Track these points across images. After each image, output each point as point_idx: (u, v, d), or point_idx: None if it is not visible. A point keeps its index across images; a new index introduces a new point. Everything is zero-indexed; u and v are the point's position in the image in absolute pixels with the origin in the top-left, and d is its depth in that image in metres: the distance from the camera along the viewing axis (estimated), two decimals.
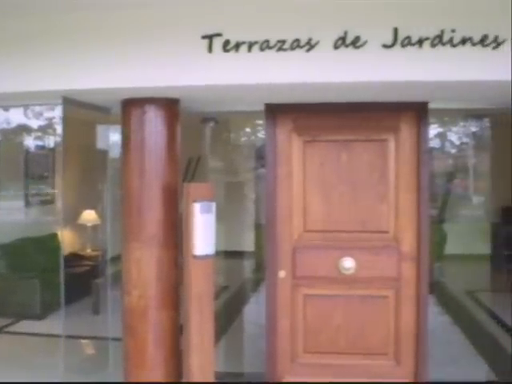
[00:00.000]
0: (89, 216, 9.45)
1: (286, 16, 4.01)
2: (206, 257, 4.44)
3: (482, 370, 5.86)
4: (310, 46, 3.97)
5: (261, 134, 10.05)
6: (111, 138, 5.75)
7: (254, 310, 7.66)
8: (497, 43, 3.86)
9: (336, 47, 3.95)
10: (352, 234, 5.04)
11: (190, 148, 5.74)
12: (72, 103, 4.76)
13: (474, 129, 10.75)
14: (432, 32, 3.89)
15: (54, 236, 8.44)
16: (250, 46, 4.02)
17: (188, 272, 4.45)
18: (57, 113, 5.48)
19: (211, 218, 4.48)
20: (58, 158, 8.75)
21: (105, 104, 5.07)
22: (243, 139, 12.00)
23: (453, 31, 3.87)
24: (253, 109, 5.33)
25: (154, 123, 4.69)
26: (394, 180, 5.00)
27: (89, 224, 9.47)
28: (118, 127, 4.89)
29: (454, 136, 11.87)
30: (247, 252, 10.11)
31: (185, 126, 5.00)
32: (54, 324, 6.87)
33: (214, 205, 4.49)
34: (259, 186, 9.97)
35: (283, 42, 3.99)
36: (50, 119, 8.84)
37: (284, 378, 5.16)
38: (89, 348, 7.08)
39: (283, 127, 5.09)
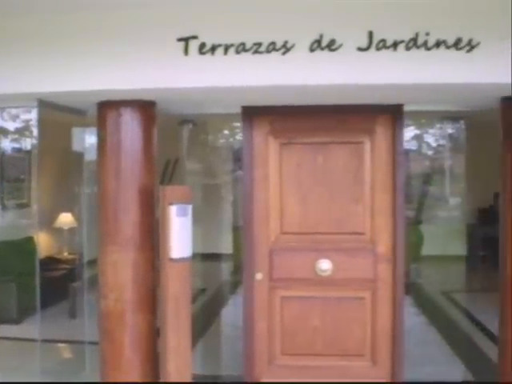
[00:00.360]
0: (65, 219, 9.37)
1: (261, 19, 4.02)
2: (183, 259, 4.44)
3: (459, 370, 5.91)
4: (286, 48, 3.98)
5: (239, 137, 10.04)
6: (88, 140, 5.71)
7: (231, 313, 7.65)
8: (471, 46, 3.90)
9: (312, 50, 3.97)
10: (328, 235, 5.06)
11: (167, 150, 5.73)
12: (47, 106, 4.72)
13: (450, 131, 10.82)
14: (407, 35, 3.92)
15: (29, 239, 8.36)
16: (226, 48, 4.02)
17: (164, 275, 4.45)
18: (33, 115, 5.41)
19: (188, 220, 4.47)
20: (34, 161, 8.67)
21: (81, 106, 5.04)
22: (221, 141, 11.98)
23: (427, 34, 3.91)
24: (230, 111, 5.33)
25: (130, 126, 4.67)
26: (370, 182, 5.03)
27: (65, 227, 9.39)
28: (95, 129, 4.87)
29: (431, 138, 11.94)
30: (225, 254, 10.10)
31: (162, 128, 4.99)
32: (31, 328, 6.80)
33: (190, 207, 4.49)
34: (237, 188, 9.99)
35: (259, 44, 3.99)
36: (27, 121, 8.75)
37: (261, 379, 5.17)
38: (65, 352, 7.03)
39: (260, 130, 5.10)
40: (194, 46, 4.04)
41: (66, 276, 8.47)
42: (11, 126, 9.05)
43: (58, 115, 5.12)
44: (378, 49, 3.93)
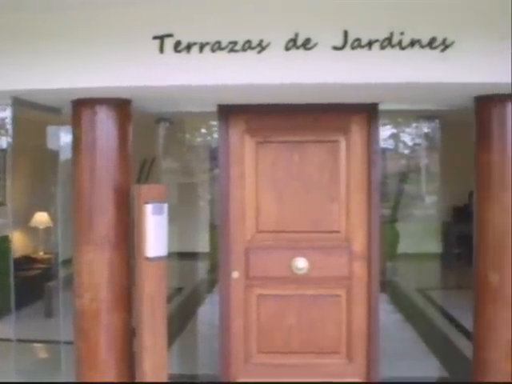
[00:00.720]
0: (41, 218, 9.28)
1: (237, 17, 4.02)
2: (158, 258, 4.43)
3: (434, 367, 5.96)
4: (262, 47, 3.98)
5: (216, 135, 10.02)
6: (63, 139, 5.66)
7: (208, 311, 7.64)
8: (445, 45, 3.93)
9: (287, 49, 3.98)
10: (304, 234, 5.08)
11: (144, 149, 5.70)
12: (22, 104, 4.68)
13: (426, 130, 10.89)
14: (381, 34, 3.95)
15: (4, 239, 8.25)
16: (202, 47, 4.02)
17: (140, 274, 4.43)
18: (8, 113, 5.37)
19: (163, 219, 4.46)
20: (9, 160, 8.58)
21: (56, 104, 4.99)
22: (199, 140, 11.94)
23: (402, 34, 3.93)
24: (206, 110, 5.33)
25: (105, 124, 4.63)
26: (345, 180, 5.06)
27: (41, 226, 9.30)
28: (70, 128, 4.82)
29: (408, 137, 12.01)
30: (202, 253, 10.09)
31: (139, 126, 4.96)
32: (6, 328, 6.74)
33: (166, 206, 4.48)
34: (214, 186, 9.97)
35: (235, 43, 3.99)
36: (2, 120, 8.65)
37: (238, 378, 5.17)
38: (41, 351, 6.97)
39: (236, 128, 5.11)
40: (169, 44, 4.03)
41: (42, 275, 8.40)
42: None
43: (33, 113, 5.08)
44: (352, 48, 3.95)
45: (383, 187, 10.57)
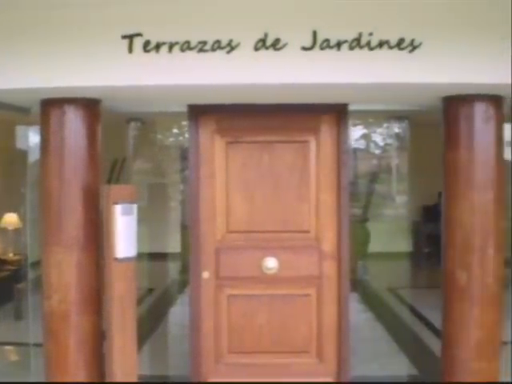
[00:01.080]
0: (10, 219, 9.17)
1: (206, 17, 4.01)
2: (128, 259, 4.40)
3: (404, 365, 6.01)
4: (231, 47, 3.98)
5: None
6: (32, 139, 5.61)
7: (179, 312, 7.63)
8: (413, 46, 3.97)
9: (256, 49, 3.98)
10: (274, 233, 5.09)
11: (115, 149, 5.66)
12: None
13: (396, 130, 10.97)
14: (350, 35, 3.97)
15: None
16: (171, 46, 4.01)
17: (109, 275, 4.40)
18: None
19: (133, 219, 4.44)
20: None
21: (24, 104, 4.94)
22: (170, 140, 11.91)
23: (370, 34, 3.96)
24: (177, 110, 5.31)
25: (73, 124, 4.59)
26: (315, 180, 5.08)
27: (10, 227, 9.20)
28: (39, 128, 4.78)
29: (379, 137, 12.10)
30: (173, 254, 10.06)
31: (110, 126, 4.93)
32: None
33: (135, 206, 4.46)
34: (186, 187, 9.94)
35: (204, 43, 3.99)
36: None
37: (209, 378, 5.17)
38: (10, 353, 6.90)
39: (206, 128, 5.10)
40: (138, 43, 4.02)
41: (11, 277, 8.32)
42: None
43: (1, 113, 5.02)
44: (321, 48, 3.97)
45: (354, 187, 10.69)
